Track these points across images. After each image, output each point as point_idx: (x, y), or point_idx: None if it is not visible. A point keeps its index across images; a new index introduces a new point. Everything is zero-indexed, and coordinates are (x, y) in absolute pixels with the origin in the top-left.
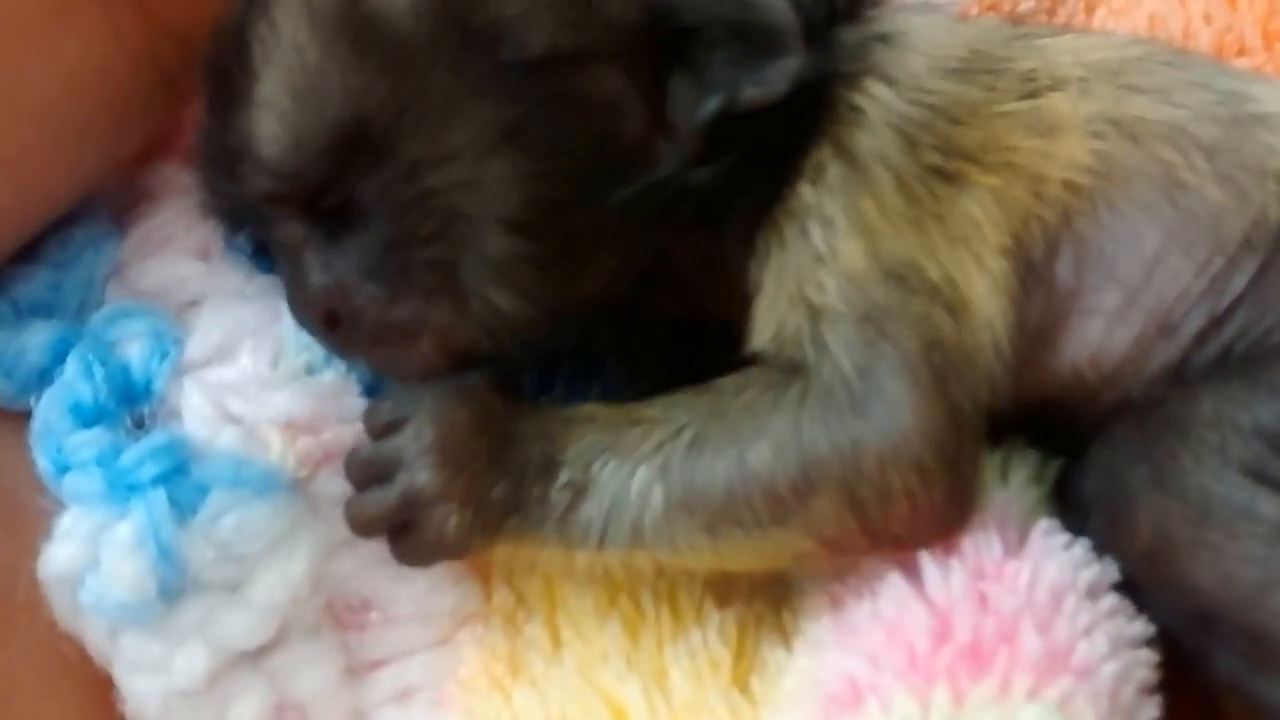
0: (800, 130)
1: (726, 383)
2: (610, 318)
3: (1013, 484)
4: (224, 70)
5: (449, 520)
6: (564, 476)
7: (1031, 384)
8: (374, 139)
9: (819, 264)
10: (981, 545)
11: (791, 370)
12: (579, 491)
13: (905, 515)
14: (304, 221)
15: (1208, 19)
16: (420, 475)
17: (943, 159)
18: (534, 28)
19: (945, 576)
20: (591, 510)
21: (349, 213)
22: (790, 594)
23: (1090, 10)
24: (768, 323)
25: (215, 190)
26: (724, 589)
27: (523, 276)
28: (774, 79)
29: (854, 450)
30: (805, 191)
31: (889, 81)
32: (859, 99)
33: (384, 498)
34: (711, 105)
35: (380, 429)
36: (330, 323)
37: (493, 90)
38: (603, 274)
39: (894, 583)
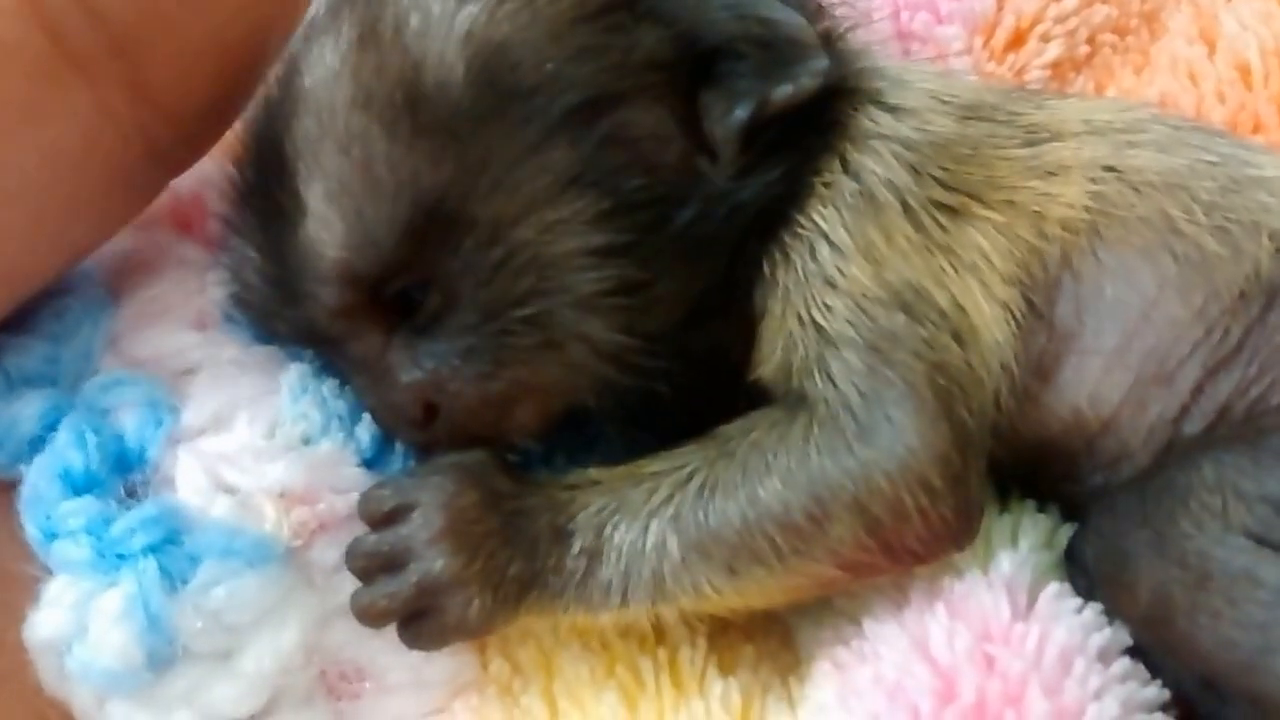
0: (807, 146)
1: (730, 428)
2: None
3: (1022, 547)
4: (262, 190)
5: (470, 605)
6: (577, 544)
7: (1032, 423)
8: (451, 213)
9: (828, 287)
10: (989, 608)
11: (795, 405)
12: (593, 556)
13: (920, 531)
14: (383, 326)
15: (1221, 97)
16: (436, 564)
17: (946, 193)
18: (574, 78)
19: (950, 638)
20: (609, 571)
21: (431, 301)
22: (798, 661)
23: (1100, 90)
24: (774, 346)
25: (274, 318)
26: (728, 656)
27: (613, 307)
28: (803, 77)
29: (865, 473)
30: (814, 214)
31: (893, 111)
32: (865, 125)
33: (398, 589)
34: (744, 111)
35: (382, 517)
36: (428, 416)
37: (548, 141)
38: (677, 299)
39: (897, 644)
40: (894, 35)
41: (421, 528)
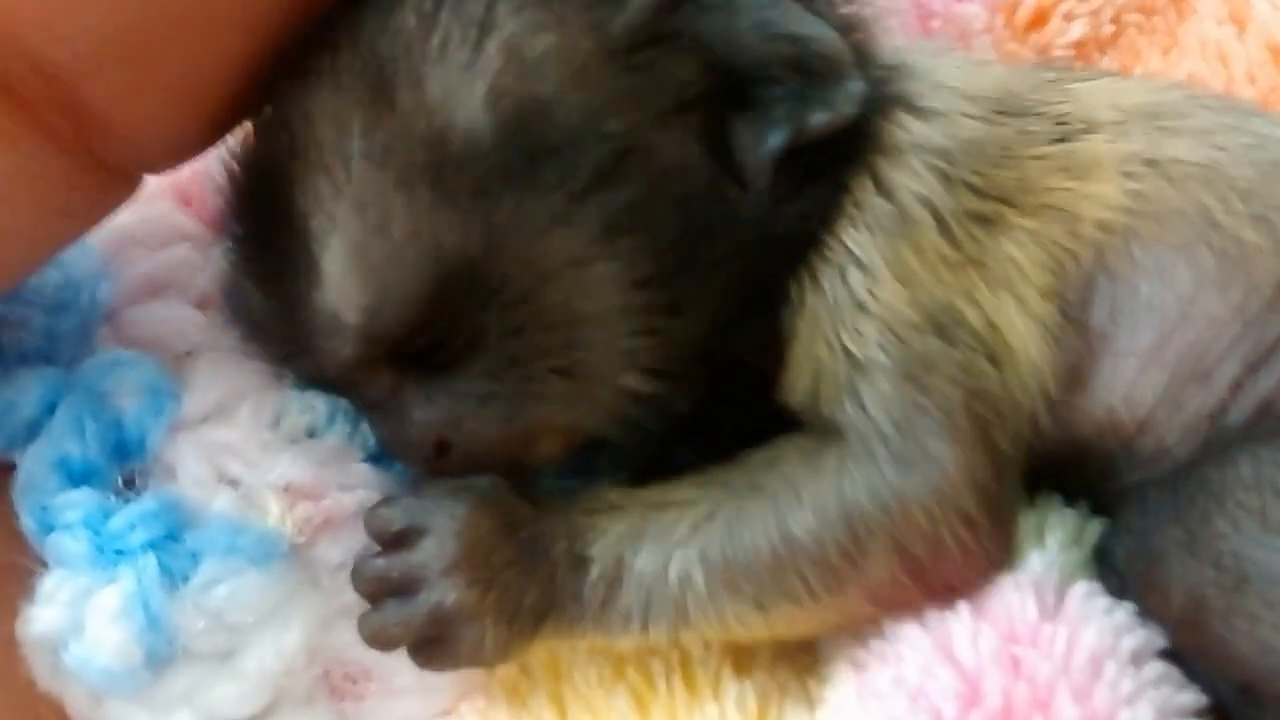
0: (835, 161)
1: (758, 457)
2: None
3: (1050, 545)
4: (270, 239)
5: (484, 638)
6: (595, 571)
7: (1067, 426)
8: (477, 276)
9: (859, 312)
10: (1015, 607)
11: (826, 433)
12: (613, 584)
13: (958, 565)
14: (398, 370)
15: (1251, 79)
16: (449, 596)
17: (979, 201)
18: (604, 128)
19: (974, 639)
20: (629, 599)
21: (452, 345)
22: (817, 661)
23: (1126, 73)
24: (804, 371)
25: (282, 360)
26: (744, 657)
27: (645, 352)
28: (840, 103)
29: (901, 507)
30: (845, 234)
31: (921, 115)
32: (894, 133)
33: (409, 617)
34: (778, 138)
35: (392, 538)
36: (440, 451)
37: (580, 195)
38: (704, 331)
39: (920, 646)
40: (913, 14)
41: (435, 557)
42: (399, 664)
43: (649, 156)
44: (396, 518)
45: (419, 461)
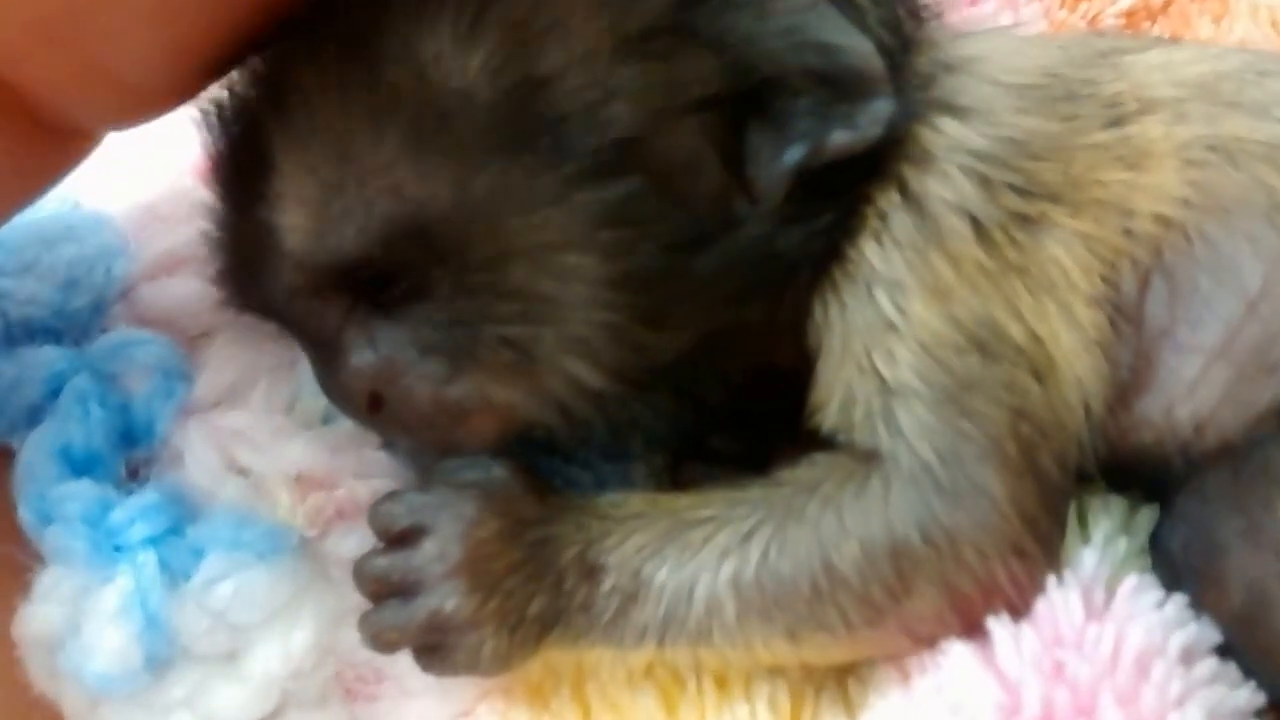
0: (863, 169)
1: (798, 475)
2: (673, 380)
3: (1096, 537)
4: (238, 170)
5: (483, 647)
6: (608, 582)
7: (1123, 430)
8: (438, 235)
9: (889, 331)
10: (1059, 608)
11: (868, 459)
12: (628, 596)
13: (1008, 598)
14: (343, 302)
15: None
16: (449, 601)
17: (1022, 201)
18: (609, 113)
19: (1016, 643)
20: (646, 616)
21: (401, 284)
22: (857, 665)
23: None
24: (833, 393)
25: (236, 284)
26: None
27: (606, 349)
28: (864, 124)
29: (950, 544)
30: (869, 248)
31: (959, 114)
32: (927, 136)
33: (407, 621)
34: (794, 156)
35: (395, 536)
36: (373, 406)
37: (570, 179)
38: (682, 340)
39: (959, 652)
40: None
41: (435, 559)
42: (413, 663)
43: (652, 152)
44: (401, 514)
45: (353, 412)
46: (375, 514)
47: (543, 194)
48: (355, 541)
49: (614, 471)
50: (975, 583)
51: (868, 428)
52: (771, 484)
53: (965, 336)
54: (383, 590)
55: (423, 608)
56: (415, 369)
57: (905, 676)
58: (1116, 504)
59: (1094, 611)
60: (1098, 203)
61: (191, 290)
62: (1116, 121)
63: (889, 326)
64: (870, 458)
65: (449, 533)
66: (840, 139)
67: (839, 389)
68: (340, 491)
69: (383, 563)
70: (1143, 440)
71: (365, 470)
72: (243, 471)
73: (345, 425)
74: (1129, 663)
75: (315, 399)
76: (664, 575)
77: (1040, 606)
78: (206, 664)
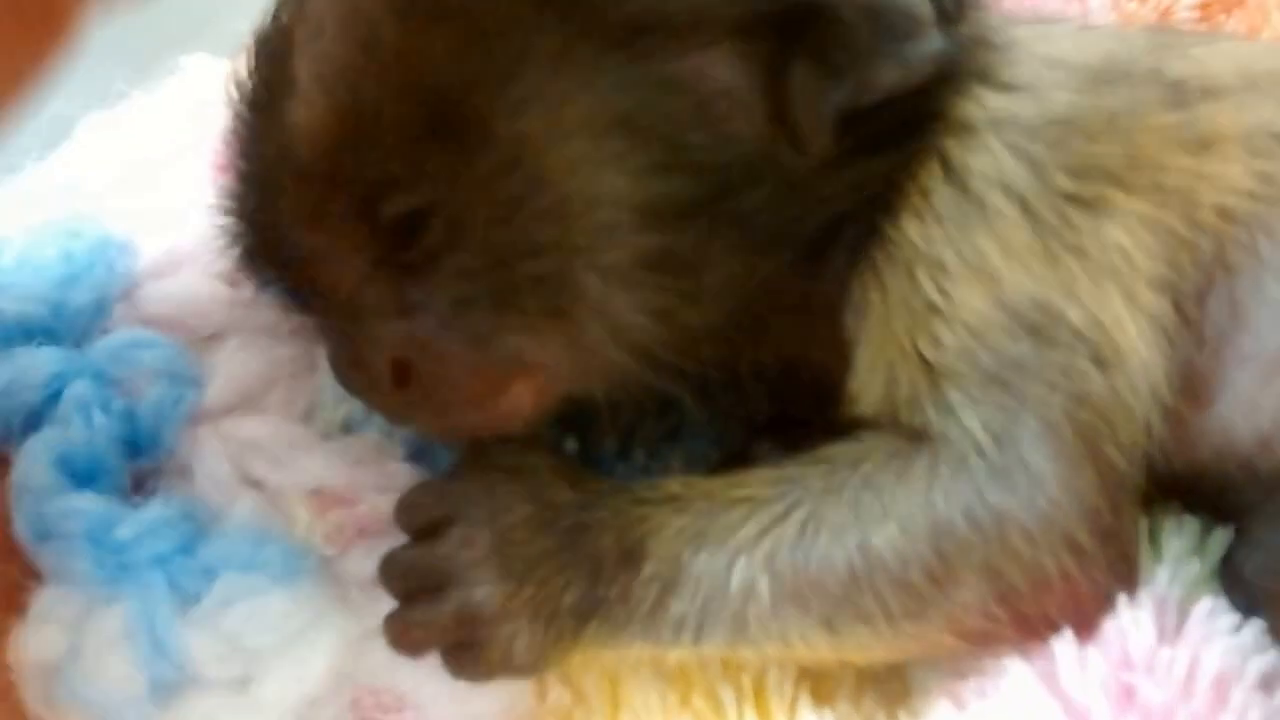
0: (904, 145)
1: (839, 453)
2: (708, 370)
3: (1168, 556)
4: (260, 86)
5: (516, 640)
6: (648, 569)
7: (1180, 443)
8: (464, 119)
9: (933, 314)
10: (1129, 630)
11: (914, 437)
12: (667, 585)
13: (1061, 599)
14: (367, 252)
15: None
16: (477, 591)
17: (1076, 182)
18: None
19: (1083, 667)
20: (684, 605)
21: (432, 233)
22: (908, 692)
23: (1253, 35)
24: (874, 381)
25: (245, 221)
26: (824, 684)
27: (645, 285)
28: (914, 59)
29: (999, 530)
30: (910, 227)
31: (1003, 89)
32: (969, 109)
33: (435, 617)
34: (840, 94)
35: (421, 528)
36: (400, 378)
37: (602, 60)
38: (723, 296)
39: (1022, 677)
40: None
41: (463, 547)
42: (438, 690)
43: (690, 58)
44: (427, 504)
45: (370, 392)
46: (401, 507)
47: (566, 70)
48: (376, 561)
49: (653, 460)
50: (1023, 573)
51: (914, 407)
52: (812, 461)
53: (1015, 320)
54: (410, 587)
55: (450, 599)
56: (450, 331)
57: (961, 706)
58: (1189, 524)
59: (1166, 634)
60: (1160, 188)
61: (200, 288)
62: (1180, 104)
63: (932, 309)
64: (918, 436)
65: (477, 518)
66: (889, 75)
67: (880, 373)
68: (362, 508)
69: (408, 556)
70: (1201, 455)
71: (389, 484)
72: (257, 485)
73: (368, 435)
74: (1205, 688)
75: (335, 406)
76: (702, 562)
77: (1107, 626)
78: (217, 692)
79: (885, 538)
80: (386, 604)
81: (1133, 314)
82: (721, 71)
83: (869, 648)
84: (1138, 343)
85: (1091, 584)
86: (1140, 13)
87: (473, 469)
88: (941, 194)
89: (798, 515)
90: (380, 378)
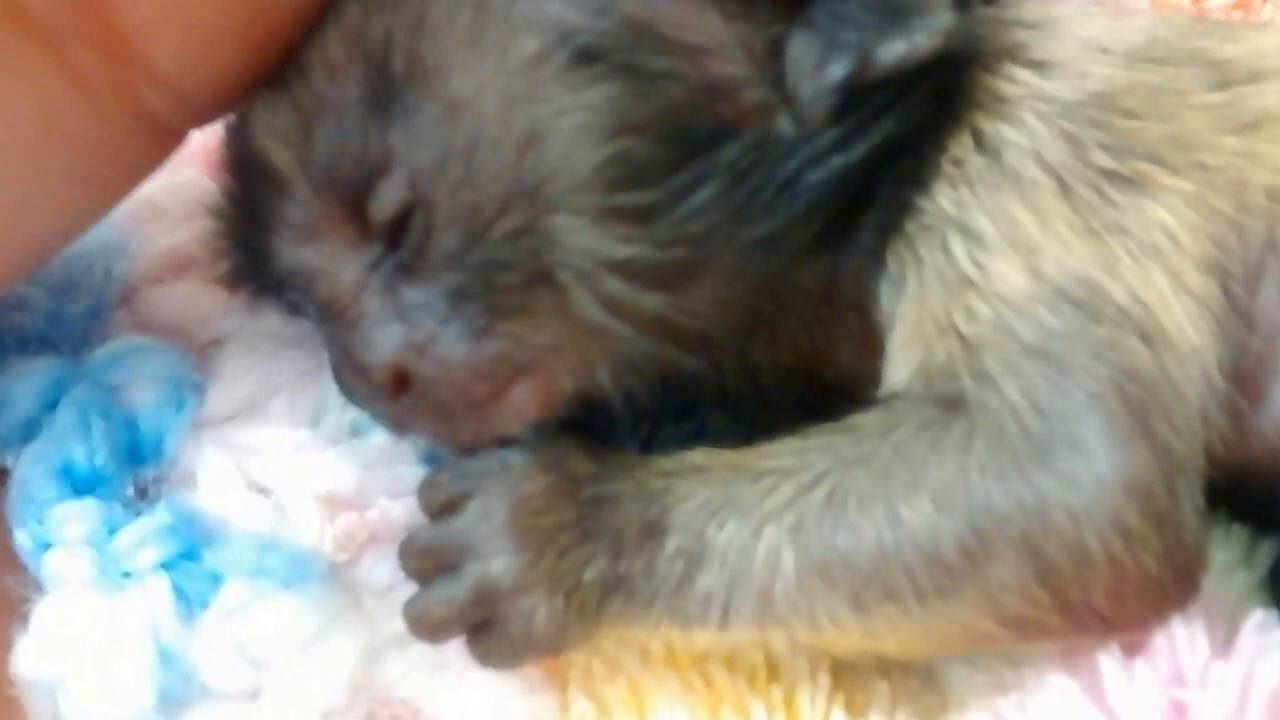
0: (933, 123)
1: (869, 420)
2: (722, 361)
3: (1217, 568)
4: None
5: (536, 613)
6: (673, 543)
7: (1229, 441)
8: (400, 82)
9: (968, 287)
10: (1181, 644)
11: (949, 406)
12: (693, 560)
13: (1110, 587)
14: (363, 256)
15: None
16: (495, 562)
17: (1115, 160)
18: None
19: (1131, 683)
20: (710, 581)
21: (416, 224)
22: (946, 705)
23: None
24: (909, 358)
25: (237, 240)
26: (858, 696)
27: (625, 238)
28: (919, 35)
29: (1039, 505)
30: (942, 198)
31: (1037, 67)
32: (1001, 86)
33: (453, 594)
34: (841, 66)
35: (440, 507)
36: (398, 385)
37: (578, 64)
38: (719, 281)
39: (1067, 692)
40: None
41: (481, 519)
42: (456, 701)
43: (667, 40)
44: (446, 483)
45: (370, 398)
46: (423, 488)
47: (508, 19)
48: (389, 568)
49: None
50: (1066, 552)
51: (949, 376)
52: (841, 430)
53: (1056, 292)
54: (429, 566)
55: (467, 574)
56: (449, 330)
57: None
58: (1237, 534)
59: (1218, 649)
60: (1204, 167)
61: (200, 293)
62: (1226, 84)
63: (967, 282)
64: (953, 406)
65: (494, 491)
66: (891, 50)
67: (916, 349)
68: (373, 512)
69: (425, 534)
70: (1253, 452)
71: (400, 488)
72: (263, 491)
73: (377, 439)
74: (1260, 704)
75: (342, 411)
76: (728, 534)
77: (1155, 642)
78: (226, 703)
79: (916, 509)
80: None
81: (1179, 295)
82: (700, 25)
83: (900, 631)
84: (1185, 324)
85: (1141, 571)
86: (1176, 1)
87: (489, 449)
88: (974, 163)
89: (825, 485)
90: (379, 388)
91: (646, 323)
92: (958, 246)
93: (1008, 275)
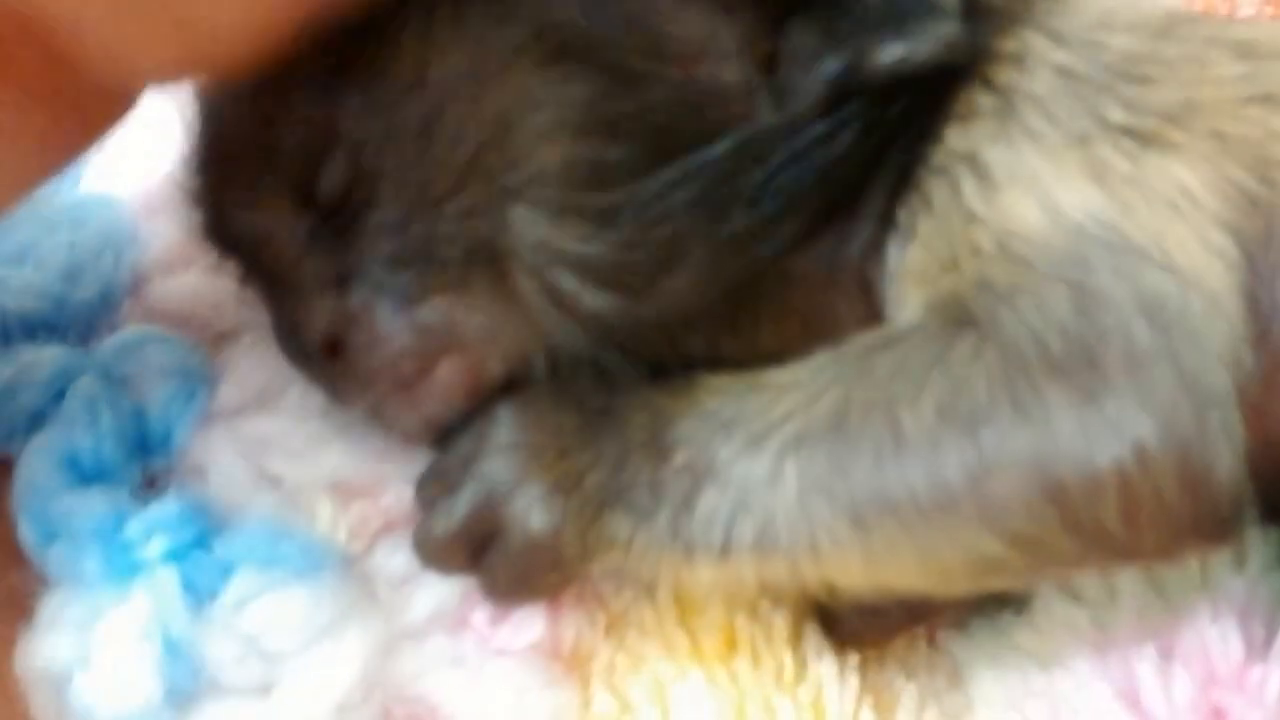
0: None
1: (871, 336)
2: (688, 356)
3: (1251, 569)
4: None
5: (532, 511)
6: (679, 457)
7: (1252, 440)
8: (359, 55)
9: (977, 223)
10: (1215, 645)
11: (959, 322)
12: (698, 476)
13: (1122, 508)
14: (298, 227)
15: None
16: (493, 461)
17: (1133, 116)
18: None
19: (1167, 686)
20: (714, 499)
21: (358, 191)
22: (970, 705)
23: None
24: (914, 297)
25: (197, 203)
26: (884, 696)
27: (585, 261)
28: (921, 39)
29: (1045, 415)
30: (952, 137)
31: (1051, 35)
32: (1012, 46)
33: (453, 506)
34: (834, 66)
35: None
36: (331, 350)
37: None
38: (685, 282)
39: (1100, 694)
40: None
41: (485, 436)
42: (474, 698)
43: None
44: (462, 429)
45: (306, 365)
46: (419, 484)
47: (523, 65)
48: (405, 557)
49: None
50: (1075, 470)
51: (959, 300)
52: (850, 345)
53: (1072, 227)
54: (441, 492)
55: (468, 481)
56: (380, 296)
57: None
58: (1273, 536)
59: (1255, 650)
60: (1220, 136)
61: (212, 284)
62: (1246, 58)
63: (975, 218)
64: (964, 321)
65: (503, 410)
66: (889, 54)
67: (923, 289)
68: (387, 500)
69: (436, 465)
70: (1274, 446)
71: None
72: (275, 481)
73: None
74: None
75: None
76: (732, 449)
77: (1190, 641)
78: (237, 697)
79: (918, 418)
80: (418, 604)
81: (1200, 245)
82: (701, 24)
83: (903, 554)
84: (1205, 272)
85: (1157, 497)
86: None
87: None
88: (984, 104)
89: (829, 398)
90: (313, 350)
91: (592, 321)
92: (968, 184)
93: (1020, 211)
